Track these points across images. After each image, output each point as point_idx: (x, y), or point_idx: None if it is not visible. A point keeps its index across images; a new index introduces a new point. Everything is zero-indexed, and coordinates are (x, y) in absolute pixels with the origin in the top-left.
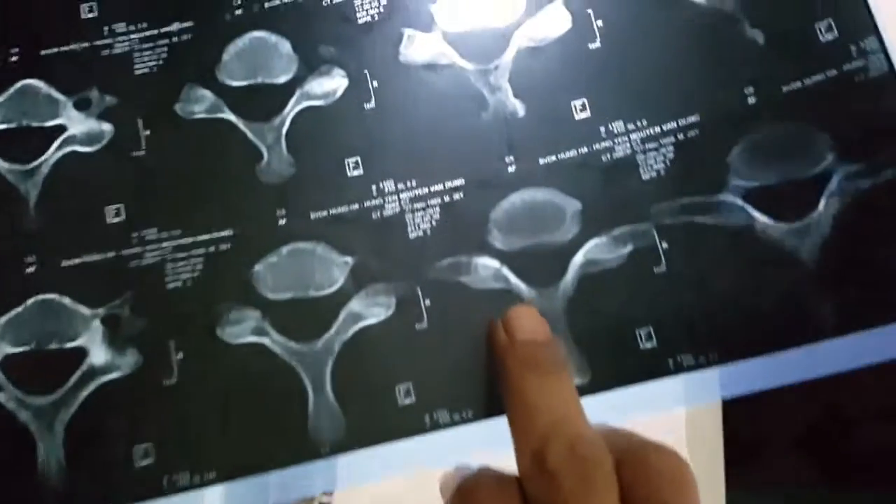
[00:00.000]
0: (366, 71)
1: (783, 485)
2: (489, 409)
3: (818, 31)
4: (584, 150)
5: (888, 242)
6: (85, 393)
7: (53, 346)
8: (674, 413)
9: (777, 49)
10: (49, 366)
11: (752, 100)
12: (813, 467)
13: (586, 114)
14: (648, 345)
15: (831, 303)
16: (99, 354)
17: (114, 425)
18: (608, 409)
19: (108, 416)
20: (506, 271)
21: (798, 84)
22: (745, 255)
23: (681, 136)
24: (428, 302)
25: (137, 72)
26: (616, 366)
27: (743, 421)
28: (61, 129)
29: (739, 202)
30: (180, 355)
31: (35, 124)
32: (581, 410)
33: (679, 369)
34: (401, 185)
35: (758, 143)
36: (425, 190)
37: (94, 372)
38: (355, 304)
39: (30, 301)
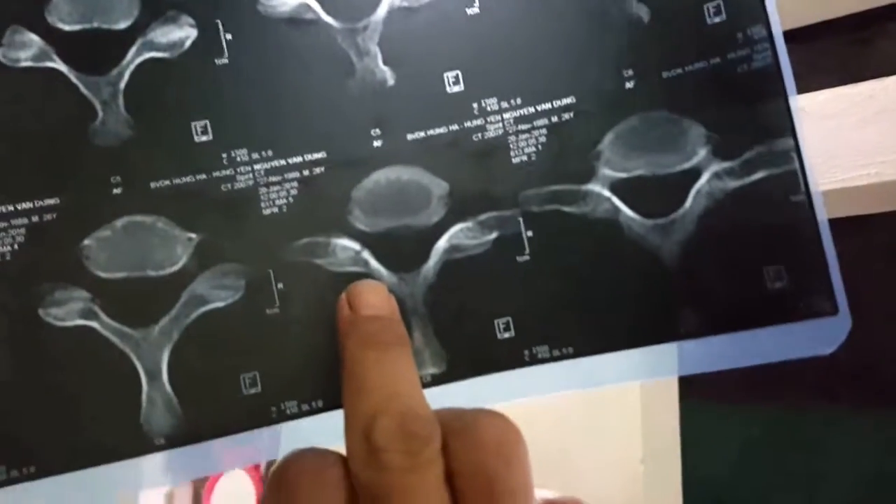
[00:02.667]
0: (218, 21)
1: (738, 399)
2: (339, 400)
3: (706, 13)
4: (455, 127)
5: (748, 248)
6: None
7: None
8: None
9: (661, 29)
10: None
11: (629, 84)
12: (767, 384)
13: (459, 87)
14: (506, 335)
15: (688, 305)
16: None
17: None
18: (565, 377)
19: None
20: (366, 254)
21: (679, 70)
22: (608, 249)
23: (554, 119)
24: (281, 285)
25: None
26: (473, 355)
27: None
28: None
29: (606, 193)
30: None
31: None
32: (417, 386)
33: (534, 361)
34: (255, 156)
35: (631, 132)
36: (282, 162)
37: None
38: (199, 286)
39: None
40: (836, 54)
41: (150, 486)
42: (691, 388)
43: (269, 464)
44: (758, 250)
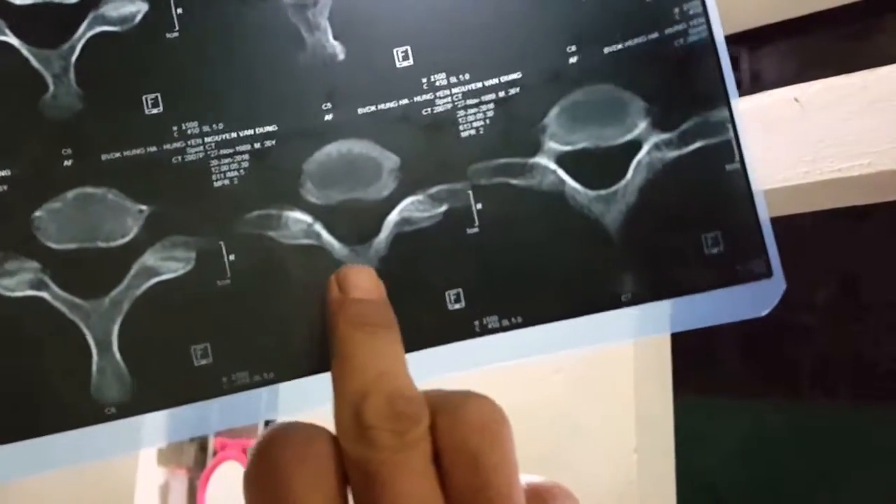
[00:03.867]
0: None
1: (733, 391)
2: (293, 370)
3: None
4: (405, 101)
5: (687, 216)
6: None
7: None
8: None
9: (602, 6)
10: None
11: (573, 59)
12: (760, 375)
13: (409, 62)
14: (457, 306)
15: (631, 272)
16: None
17: None
18: (551, 342)
19: None
20: (318, 227)
21: (619, 45)
22: (555, 220)
23: (501, 94)
24: (232, 257)
25: None
26: (425, 326)
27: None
28: None
29: (552, 166)
30: None
31: None
32: (405, 368)
33: (485, 332)
34: (206, 128)
35: (575, 106)
36: (234, 135)
37: None
38: (149, 258)
39: None
40: (831, 46)
41: (149, 444)
42: (686, 382)
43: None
44: (696, 218)
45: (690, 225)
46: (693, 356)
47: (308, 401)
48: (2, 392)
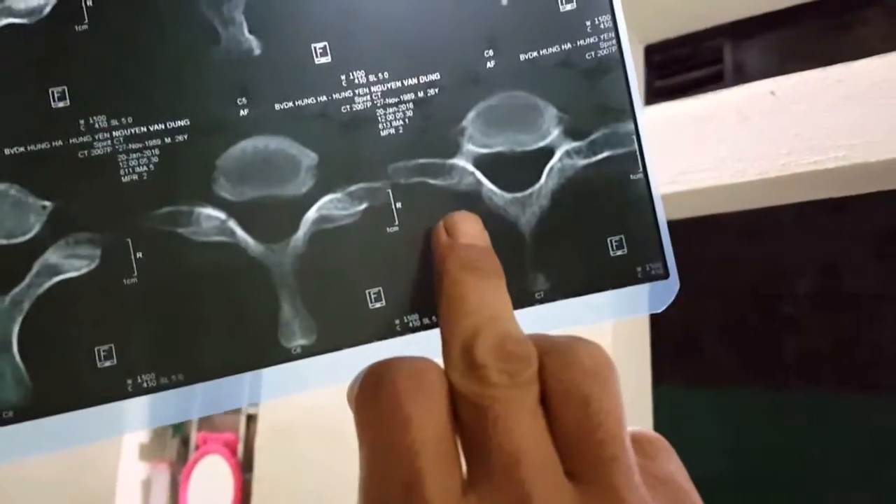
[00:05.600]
0: None
1: (713, 381)
2: (203, 371)
3: (559, 1)
4: (324, 98)
5: (594, 220)
6: None
7: None
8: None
9: (519, 13)
10: None
11: (490, 63)
12: (740, 365)
13: (327, 59)
14: (377, 305)
15: (542, 272)
16: None
17: None
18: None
19: None
20: (232, 224)
21: (534, 53)
22: None
23: (421, 94)
24: (140, 254)
25: None
26: (343, 326)
27: (672, 318)
28: None
29: (470, 168)
30: None
31: None
32: (512, 314)
33: (405, 331)
34: (114, 122)
35: (491, 110)
36: (143, 129)
37: None
38: (52, 255)
39: None
40: (815, 38)
41: (135, 428)
42: (665, 372)
43: (246, 446)
44: (602, 222)
45: (597, 229)
46: (672, 346)
47: (292, 387)
48: None
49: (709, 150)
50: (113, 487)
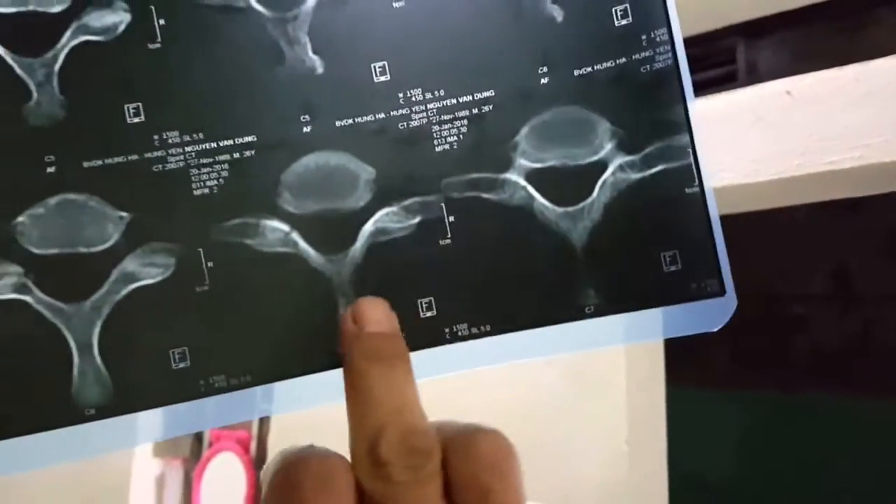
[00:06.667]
0: (152, 6)
1: (725, 383)
2: (268, 374)
3: (614, 16)
4: (382, 116)
5: (648, 235)
6: None
7: None
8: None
9: (573, 29)
10: None
11: (544, 80)
12: (752, 367)
13: (386, 77)
14: (428, 314)
15: (593, 287)
16: None
17: None
18: (547, 344)
19: None
20: (295, 236)
21: (589, 69)
22: (524, 234)
23: (475, 111)
24: (210, 264)
25: None
26: None
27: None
28: None
29: (522, 182)
30: None
31: None
32: (417, 402)
33: (455, 339)
34: (186, 137)
35: (545, 125)
36: (213, 144)
37: None
38: (129, 263)
39: None
40: (827, 39)
41: (145, 440)
42: (678, 373)
43: (260, 444)
44: (656, 237)
45: (650, 243)
46: (686, 348)
47: (301, 401)
48: None
49: (723, 149)
50: (126, 483)
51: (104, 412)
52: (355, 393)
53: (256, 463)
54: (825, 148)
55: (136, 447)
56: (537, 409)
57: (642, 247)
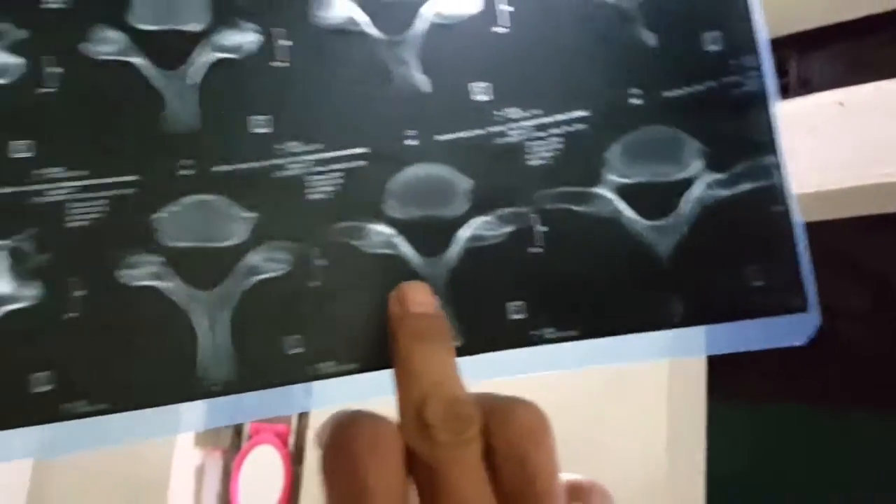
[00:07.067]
0: (278, 28)
1: (765, 397)
2: (374, 362)
3: (705, 42)
4: (480, 131)
5: (733, 250)
6: None
7: None
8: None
9: (665, 53)
10: None
11: (636, 101)
12: (794, 381)
13: (485, 97)
14: (517, 316)
15: (678, 298)
16: (3, 284)
17: (15, 353)
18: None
19: (9, 343)
20: (397, 239)
21: (679, 91)
22: (612, 245)
23: (568, 128)
24: (323, 262)
25: (48, 6)
26: (486, 333)
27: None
28: None
29: (611, 195)
30: (82, 292)
31: None
32: (459, 376)
33: (541, 341)
34: (306, 148)
35: (635, 143)
36: (329, 154)
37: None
38: (253, 258)
39: None
40: (880, 50)
41: (190, 428)
42: (720, 384)
43: (298, 438)
44: (741, 252)
45: (736, 258)
46: (728, 359)
47: (337, 398)
48: (128, 367)
49: None
50: (167, 472)
51: (227, 389)
52: (402, 367)
53: (294, 456)
54: (878, 159)
55: (178, 435)
56: (579, 410)
57: (727, 261)
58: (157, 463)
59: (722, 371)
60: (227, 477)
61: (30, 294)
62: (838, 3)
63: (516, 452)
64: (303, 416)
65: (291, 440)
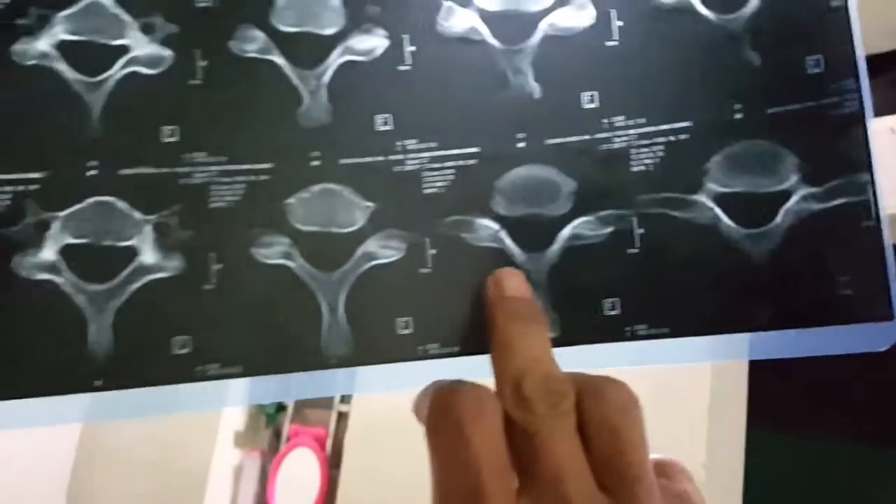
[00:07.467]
0: (405, 35)
1: (808, 430)
2: (474, 347)
3: (807, 64)
4: (587, 137)
5: (824, 259)
6: (134, 286)
7: (108, 242)
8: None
9: (768, 73)
10: (104, 259)
11: (738, 115)
12: (833, 418)
13: (594, 105)
14: (613, 312)
15: (770, 302)
16: (148, 255)
17: (157, 318)
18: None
19: (153, 309)
20: (503, 234)
21: (780, 109)
22: (708, 250)
23: (672, 138)
24: (434, 251)
25: (199, 5)
26: (582, 326)
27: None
28: (125, 49)
29: (710, 203)
30: (219, 266)
31: (102, 41)
32: (552, 355)
33: (634, 337)
34: (423, 145)
35: (736, 155)
36: (443, 153)
37: (143, 269)
38: (370, 245)
39: (90, 200)
40: None
41: (236, 403)
42: (760, 413)
43: (335, 442)
44: (832, 262)
45: (826, 268)
46: (770, 392)
47: (378, 386)
48: (258, 338)
49: None
50: (206, 470)
51: (344, 362)
52: (499, 345)
53: (331, 460)
54: None
55: (223, 409)
56: None
57: (818, 270)
58: (197, 460)
59: (763, 405)
60: (265, 478)
61: (172, 265)
62: (892, 31)
63: (608, 425)
64: (341, 421)
65: (329, 444)
